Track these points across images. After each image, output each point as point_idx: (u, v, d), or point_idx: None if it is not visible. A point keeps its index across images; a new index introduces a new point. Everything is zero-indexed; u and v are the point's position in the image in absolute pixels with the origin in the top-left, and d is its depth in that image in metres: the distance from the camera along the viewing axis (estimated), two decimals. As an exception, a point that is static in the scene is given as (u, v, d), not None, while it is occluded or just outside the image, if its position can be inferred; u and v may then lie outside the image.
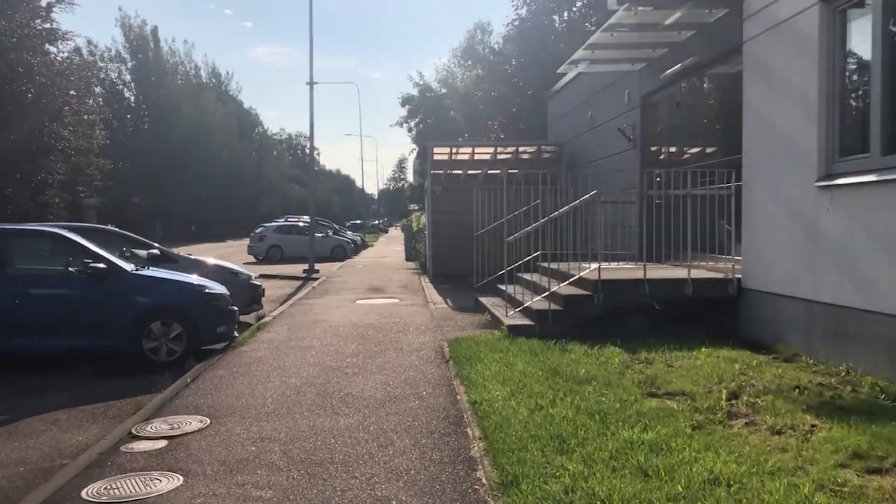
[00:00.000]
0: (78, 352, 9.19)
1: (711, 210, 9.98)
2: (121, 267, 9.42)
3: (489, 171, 21.22)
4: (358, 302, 15.04)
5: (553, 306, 9.61)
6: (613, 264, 10.91)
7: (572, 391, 6.59)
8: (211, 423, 6.16)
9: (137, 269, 9.78)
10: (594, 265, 9.77)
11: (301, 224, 35.38)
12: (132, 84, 70.50)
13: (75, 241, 9.49)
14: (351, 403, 6.64)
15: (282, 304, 15.41)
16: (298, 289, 19.00)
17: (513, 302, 10.40)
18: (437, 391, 7.03)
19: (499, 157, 19.64)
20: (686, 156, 12.16)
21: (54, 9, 36.03)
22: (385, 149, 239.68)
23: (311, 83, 26.04)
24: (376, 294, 16.71)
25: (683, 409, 6.02)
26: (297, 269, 24.80)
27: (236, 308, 10.39)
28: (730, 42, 9.85)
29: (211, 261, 13.09)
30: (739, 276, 9.49)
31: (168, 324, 9.41)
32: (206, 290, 9.87)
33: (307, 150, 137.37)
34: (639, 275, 9.79)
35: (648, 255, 12.57)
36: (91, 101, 46.28)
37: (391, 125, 76.70)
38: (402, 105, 36.71)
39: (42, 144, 35.07)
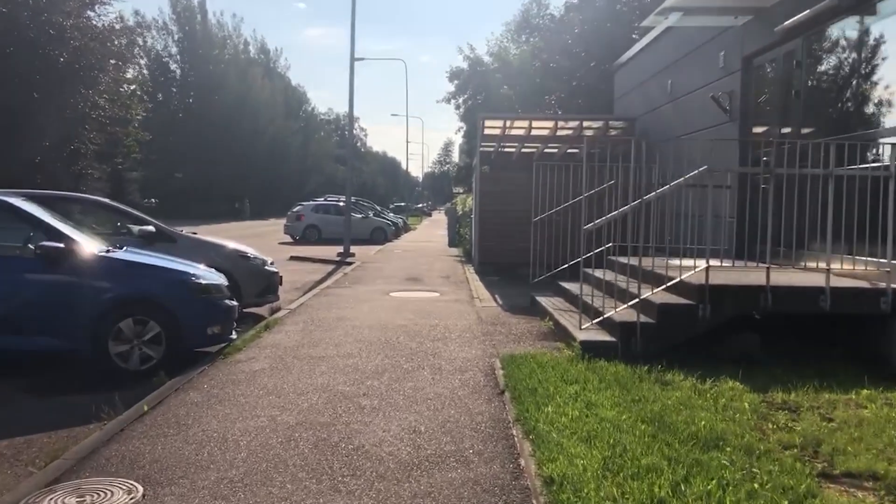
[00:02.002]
0: (19, 354, 7.19)
1: (849, 197, 7.49)
2: (82, 247, 7.34)
3: (546, 149, 18.87)
4: (392, 294, 12.85)
5: (643, 318, 7.26)
6: (705, 263, 8.47)
7: (698, 465, 4.27)
8: (143, 497, 4.01)
9: (108, 251, 7.69)
10: (698, 264, 7.38)
11: (341, 203, 33.41)
12: (178, 56, 69.41)
13: (28, 214, 7.43)
14: (360, 469, 4.41)
15: (305, 293, 13.31)
16: (329, 274, 16.92)
17: (586, 309, 8.07)
18: (490, 449, 4.77)
19: (559, 132, 17.21)
20: (809, 129, 9.62)
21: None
22: (431, 132, 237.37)
23: (352, 55, 23.87)
24: (414, 285, 14.50)
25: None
26: (333, 251, 22.77)
27: (234, 303, 8.27)
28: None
29: (218, 242, 11.02)
30: (898, 286, 7.03)
31: (143, 322, 7.34)
32: (195, 280, 7.76)
33: (354, 131, 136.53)
34: (757, 280, 7.38)
35: (744, 253, 10.14)
36: (132, 71, 45.03)
37: (438, 101, 73.22)
38: (451, 80, 34.33)
39: (76, 112, 33.62)
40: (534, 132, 17.22)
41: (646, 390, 5.96)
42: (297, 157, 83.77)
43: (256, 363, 7.22)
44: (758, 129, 11.22)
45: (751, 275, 7.71)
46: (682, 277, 7.29)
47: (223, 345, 7.96)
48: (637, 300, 7.26)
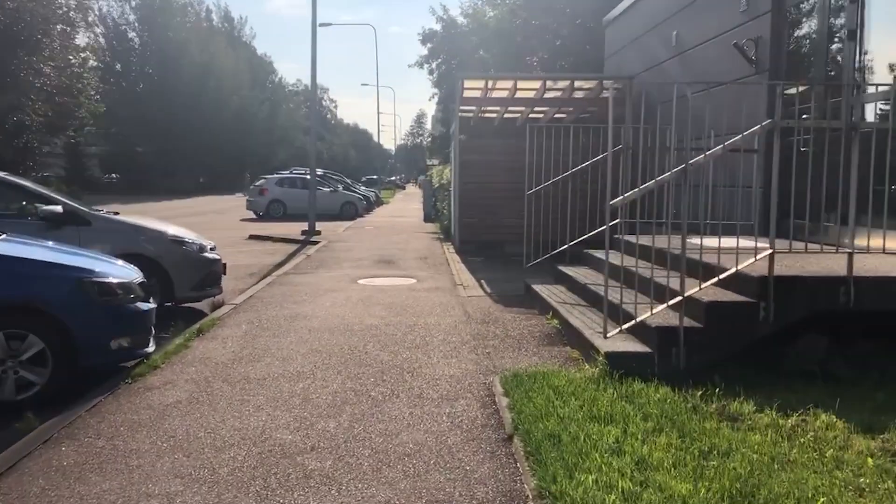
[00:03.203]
0: None
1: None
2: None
3: (532, 113, 17.01)
4: (361, 282, 10.99)
5: (688, 321, 5.50)
6: (768, 247, 6.71)
7: None
8: None
9: (-29, 241, 5.75)
10: (760, 248, 5.61)
11: (308, 176, 31.30)
12: (136, 24, 65.96)
13: None
14: None
15: (259, 280, 11.42)
16: (290, 257, 15.00)
17: (612, 312, 6.28)
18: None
19: (547, 94, 15.32)
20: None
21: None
22: (403, 104, 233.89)
23: (314, 15, 21.70)
24: (387, 269, 12.65)
25: None
26: (298, 228, 20.79)
27: (151, 306, 6.37)
28: None
29: (145, 224, 9.05)
30: None
31: (20, 336, 5.45)
32: (95, 279, 5.85)
33: (324, 102, 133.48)
34: (832, 268, 5.66)
35: (774, 229, 8.45)
36: (83, 38, 42.20)
37: (410, 65, 69.15)
38: (423, 42, 32.01)
39: (17, 80, 31.03)
40: (519, 94, 15.31)
41: (711, 432, 4.21)
42: (265, 129, 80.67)
43: (172, 391, 5.35)
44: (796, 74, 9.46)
45: (822, 261, 5.97)
46: (740, 268, 5.51)
47: (137, 360, 6.10)
48: (679, 299, 5.47)
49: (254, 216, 29.56)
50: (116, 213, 9.16)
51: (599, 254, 8.93)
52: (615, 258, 8.31)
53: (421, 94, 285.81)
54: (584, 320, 6.72)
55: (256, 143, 76.88)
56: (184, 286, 8.65)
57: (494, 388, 5.27)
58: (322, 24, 53.33)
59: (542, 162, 9.73)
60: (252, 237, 19.75)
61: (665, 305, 5.56)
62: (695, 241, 6.18)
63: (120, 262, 6.73)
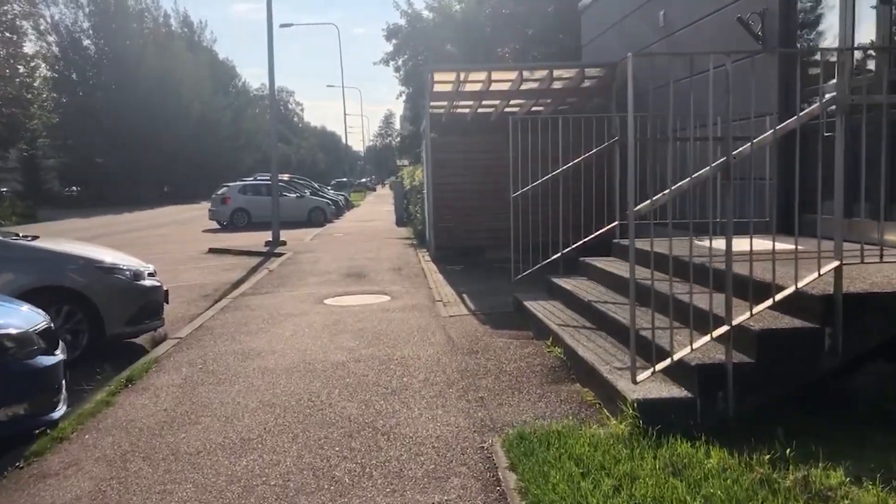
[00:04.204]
0: None
1: None
2: None
3: (508, 107, 15.85)
4: (327, 302, 9.73)
5: (738, 356, 4.34)
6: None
7: None
8: None
9: None
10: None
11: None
12: (91, 31, 63.67)
13: None
14: None
15: (212, 304, 10.10)
16: (251, 272, 13.67)
17: (615, 332, 5.10)
18: None
19: (523, 85, 14.16)
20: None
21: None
22: (371, 105, 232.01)
23: (269, 8, 20.38)
24: (357, 284, 11.38)
25: None
26: (262, 238, 19.42)
27: (56, 359, 5.06)
28: None
29: (66, 250, 7.65)
30: None
31: None
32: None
33: (289, 105, 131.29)
34: (906, 280, 4.54)
35: (787, 226, 7.37)
36: (32, 46, 40.25)
37: (375, 63, 66.74)
38: (388, 38, 30.57)
39: (-42, 92, 29.23)
40: (493, 87, 14.13)
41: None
42: (230, 135, 78.53)
43: (74, 480, 4.06)
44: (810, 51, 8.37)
45: (883, 270, 4.84)
46: (801, 285, 4.35)
47: (39, 430, 4.81)
48: (726, 329, 4.30)
49: (217, 226, 28.10)
50: (34, 238, 7.80)
51: (600, 262, 7.78)
52: (622, 268, 7.16)
53: (388, 95, 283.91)
54: (595, 350, 5.53)
55: (221, 150, 74.89)
56: (116, 321, 7.33)
57: (496, 458, 4.06)
58: (283, 25, 51.87)
59: (527, 159, 8.54)
60: (212, 251, 18.35)
61: (713, 338, 4.35)
62: (711, 245, 5.02)
63: (20, 304, 5.42)
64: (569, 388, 5.31)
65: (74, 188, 66.10)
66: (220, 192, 29.28)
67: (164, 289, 8.18)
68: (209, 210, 29.38)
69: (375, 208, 42.27)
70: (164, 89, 64.20)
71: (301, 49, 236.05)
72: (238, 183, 30.67)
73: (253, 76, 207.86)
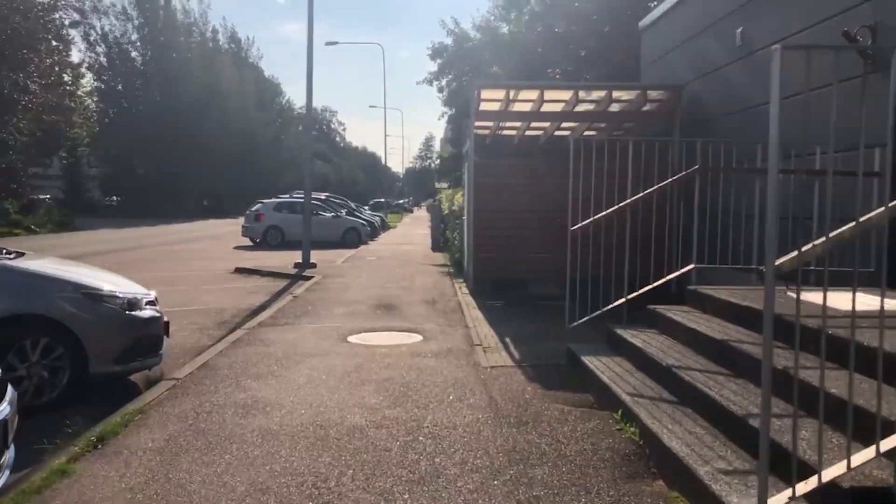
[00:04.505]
0: None
1: None
2: None
3: (558, 130, 14.68)
4: (351, 340, 8.59)
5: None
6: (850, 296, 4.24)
7: None
8: None
9: None
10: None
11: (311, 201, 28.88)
12: (139, 44, 64.18)
13: None
14: None
15: (225, 335, 9.04)
16: (274, 298, 12.63)
17: (753, 441, 3.85)
18: None
19: (578, 107, 12.99)
20: None
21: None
22: (412, 126, 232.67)
23: (311, 17, 19.60)
24: (386, 319, 10.24)
25: None
26: (292, 259, 18.42)
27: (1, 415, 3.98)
28: None
29: (50, 271, 6.60)
30: None
31: None
32: None
33: (332, 125, 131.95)
34: None
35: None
36: (79, 54, 40.27)
37: (418, 82, 65.10)
38: (433, 58, 29.69)
39: (-1, 97, 28.99)
40: (545, 107, 12.97)
41: None
42: (272, 152, 78.45)
43: None
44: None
45: None
46: None
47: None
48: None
49: (250, 243, 27.30)
50: (18, 255, 6.80)
51: (677, 314, 6.53)
52: (705, 324, 5.91)
53: (429, 117, 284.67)
54: (685, 437, 4.28)
55: (263, 166, 74.76)
56: (102, 358, 6.27)
57: None
58: (328, 43, 51.81)
59: (589, 186, 7.33)
60: (238, 270, 17.40)
61: (873, 453, 3.08)
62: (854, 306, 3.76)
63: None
64: (651, 489, 4.06)
65: (115, 198, 66.40)
66: (253, 209, 28.50)
67: (165, 320, 7.11)
68: (242, 226, 28.64)
69: (411, 230, 41.34)
70: (208, 103, 64.41)
71: (345, 69, 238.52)
72: (273, 200, 29.89)
73: (297, 95, 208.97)
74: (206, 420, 5.38)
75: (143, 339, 6.65)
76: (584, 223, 7.37)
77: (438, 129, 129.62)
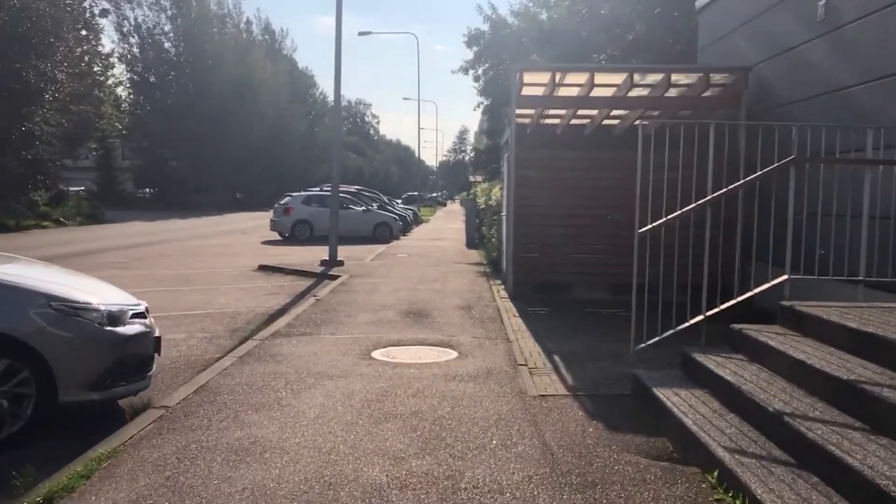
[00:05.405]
0: None
1: None
2: None
3: (607, 119, 13.38)
4: (376, 356, 7.46)
5: None
6: None
7: None
8: None
9: None
10: None
11: (341, 194, 27.83)
12: (172, 34, 63.81)
13: None
14: None
15: (233, 348, 7.97)
16: (295, 300, 11.59)
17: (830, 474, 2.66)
18: None
19: (631, 92, 11.70)
20: None
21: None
22: (446, 120, 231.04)
23: (339, 11, 18.46)
24: (416, 327, 9.10)
25: None
26: (320, 255, 17.32)
27: None
28: None
29: (14, 280, 5.56)
30: None
31: None
32: None
33: (366, 118, 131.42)
34: None
35: None
36: (110, 44, 39.80)
37: (453, 71, 63.28)
38: (469, 45, 28.40)
39: (26, 87, 28.40)
40: (594, 92, 11.70)
41: None
42: (304, 144, 77.81)
43: None
44: None
45: None
46: None
47: None
48: None
49: (278, 237, 26.41)
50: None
51: (771, 338, 5.28)
52: (816, 354, 4.67)
53: (464, 112, 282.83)
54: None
55: (295, 159, 74.24)
56: (74, 384, 5.21)
57: None
58: (361, 33, 50.79)
59: (661, 181, 6.09)
60: (262, 268, 16.40)
61: None
62: None
63: None
64: None
65: (147, 190, 66.30)
66: (282, 202, 27.59)
67: (156, 335, 6.05)
68: (270, 220, 27.77)
69: (445, 225, 40.21)
70: (241, 95, 63.90)
71: (379, 60, 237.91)
72: (302, 193, 28.91)
73: (331, 87, 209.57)
74: (186, 472, 4.28)
75: (126, 359, 5.57)
76: (655, 223, 6.12)
77: (473, 123, 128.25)
